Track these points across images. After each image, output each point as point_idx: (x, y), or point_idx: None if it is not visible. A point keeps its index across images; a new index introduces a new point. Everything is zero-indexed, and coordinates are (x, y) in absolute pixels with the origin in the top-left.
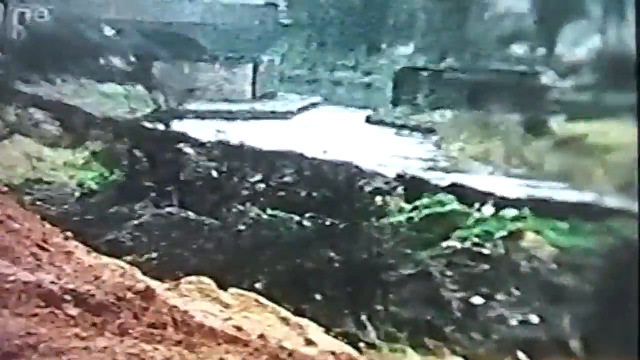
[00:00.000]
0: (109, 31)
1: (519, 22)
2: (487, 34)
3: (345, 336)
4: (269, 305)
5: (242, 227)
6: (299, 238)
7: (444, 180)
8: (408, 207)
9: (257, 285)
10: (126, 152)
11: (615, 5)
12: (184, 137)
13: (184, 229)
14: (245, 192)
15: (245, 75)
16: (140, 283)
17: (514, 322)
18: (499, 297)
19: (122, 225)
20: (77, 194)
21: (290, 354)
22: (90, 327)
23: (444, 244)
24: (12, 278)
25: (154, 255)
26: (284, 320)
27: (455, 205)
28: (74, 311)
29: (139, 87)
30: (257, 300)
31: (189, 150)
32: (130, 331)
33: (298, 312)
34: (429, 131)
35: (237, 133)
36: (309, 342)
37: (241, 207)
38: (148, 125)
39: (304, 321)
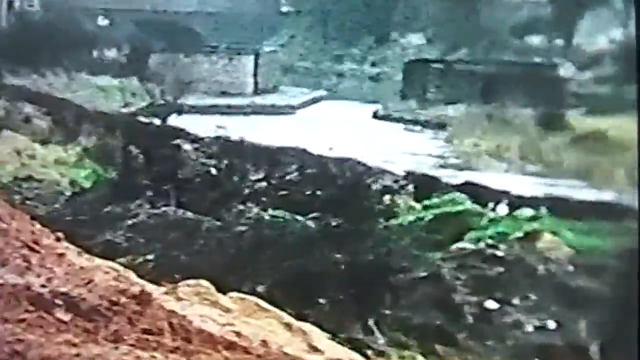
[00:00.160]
0: (102, 21)
1: (535, 11)
2: (502, 24)
3: (352, 342)
4: (271, 310)
5: (242, 228)
6: (303, 239)
7: (456, 178)
8: (418, 206)
9: (259, 289)
10: (120, 148)
11: None
12: (181, 133)
13: (181, 229)
14: (246, 191)
15: (245, 67)
16: (135, 286)
17: (529, 328)
18: (514, 301)
19: (117, 225)
20: (68, 192)
21: None
22: (82, 333)
23: (456, 245)
24: None
25: (150, 257)
26: (287, 325)
27: (468, 205)
28: (65, 316)
29: (134, 80)
30: (258, 305)
31: (186, 146)
32: (124, 337)
33: (301, 317)
34: (440, 126)
35: (238, 128)
36: (313, 349)
37: (242, 207)
38: (144, 120)
39: (307, 327)
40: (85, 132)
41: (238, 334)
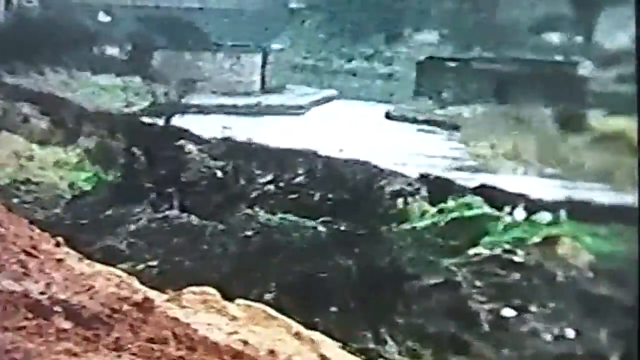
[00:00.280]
0: (103, 17)
1: (553, 7)
2: (519, 21)
3: (364, 352)
4: (279, 318)
5: (249, 233)
6: (313, 244)
7: (472, 181)
8: (432, 210)
9: (267, 296)
10: (122, 150)
11: None
12: (185, 134)
13: (185, 234)
14: (253, 194)
15: (253, 65)
16: (137, 294)
17: (548, 337)
18: (532, 309)
19: (118, 230)
20: (68, 195)
21: None
22: (83, 341)
23: (472, 251)
24: None
25: (153, 263)
26: (296, 334)
27: (484, 209)
28: (64, 324)
29: (137, 79)
30: (266, 312)
31: (191, 147)
32: (127, 346)
33: (311, 326)
34: (454, 127)
35: (244, 129)
36: (323, 359)
37: (249, 211)
38: (146, 120)
39: (317, 335)
40: (85, 132)
41: (245, 342)
